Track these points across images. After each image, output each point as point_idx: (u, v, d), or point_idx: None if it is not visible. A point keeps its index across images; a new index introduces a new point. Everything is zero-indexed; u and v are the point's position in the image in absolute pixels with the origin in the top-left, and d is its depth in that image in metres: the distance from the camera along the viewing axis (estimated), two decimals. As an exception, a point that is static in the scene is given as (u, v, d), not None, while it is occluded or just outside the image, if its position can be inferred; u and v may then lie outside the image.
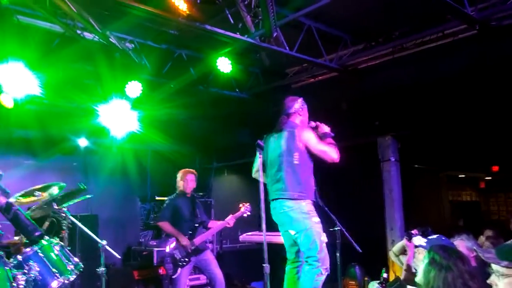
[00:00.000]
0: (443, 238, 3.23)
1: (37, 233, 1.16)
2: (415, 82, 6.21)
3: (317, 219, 3.70)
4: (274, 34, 5.07)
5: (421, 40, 5.85)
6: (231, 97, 7.56)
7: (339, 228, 4.53)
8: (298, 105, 4.01)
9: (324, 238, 5.93)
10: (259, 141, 3.66)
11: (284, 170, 3.75)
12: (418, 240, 3.45)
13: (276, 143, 3.87)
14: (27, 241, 3.56)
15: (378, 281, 5.43)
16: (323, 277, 3.63)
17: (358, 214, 6.76)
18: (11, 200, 3.31)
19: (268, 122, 7.60)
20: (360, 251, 4.47)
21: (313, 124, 3.99)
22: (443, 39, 5.69)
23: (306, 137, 3.75)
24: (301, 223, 3.61)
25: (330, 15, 5.66)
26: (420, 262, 3.04)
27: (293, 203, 3.67)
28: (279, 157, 3.79)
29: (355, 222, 5.59)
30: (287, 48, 5.72)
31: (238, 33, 5.24)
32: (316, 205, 3.88)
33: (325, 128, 3.94)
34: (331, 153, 3.69)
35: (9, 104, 5.64)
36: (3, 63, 5.01)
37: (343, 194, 7.11)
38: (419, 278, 2.73)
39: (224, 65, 5.99)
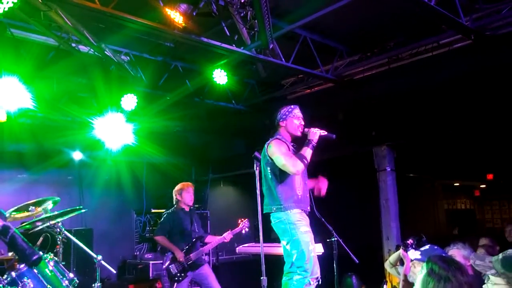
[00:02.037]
0: (436, 247, 3.21)
1: (34, 257, 1.12)
2: (411, 92, 6.24)
3: (305, 228, 3.66)
4: (270, 46, 5.08)
5: (416, 50, 5.88)
6: (227, 109, 7.56)
7: (335, 238, 4.51)
8: (280, 115, 3.95)
9: (319, 248, 5.91)
10: (256, 153, 3.64)
11: (265, 184, 3.79)
12: (412, 253, 3.41)
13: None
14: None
15: None
16: (312, 287, 3.59)
17: (354, 224, 6.75)
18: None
19: (264, 133, 7.64)
20: (357, 261, 4.45)
21: (305, 130, 3.94)
22: (438, 49, 5.72)
23: (270, 150, 3.72)
24: (288, 233, 3.59)
25: (326, 26, 5.69)
26: (417, 275, 3.01)
27: (280, 215, 3.66)
28: (262, 171, 3.82)
29: (351, 232, 5.57)
30: (283, 59, 5.74)
31: (234, 45, 5.25)
32: (310, 214, 3.84)
33: (313, 135, 3.83)
34: (289, 166, 3.57)
35: (2, 118, 5.60)
36: (-3, 78, 4.98)
37: (339, 204, 7.08)
38: None
39: (220, 77, 5.98)
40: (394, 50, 6.04)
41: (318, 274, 3.64)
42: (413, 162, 8.44)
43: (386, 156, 6.97)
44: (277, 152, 3.66)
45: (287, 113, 3.93)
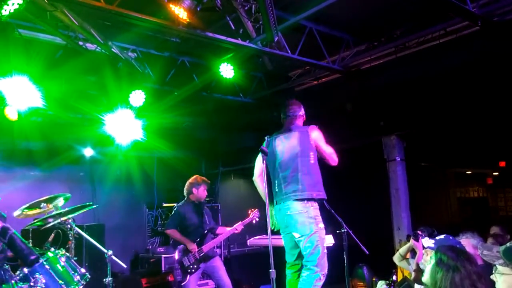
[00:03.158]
0: (451, 237, 3.21)
1: (32, 257, 1.16)
2: (419, 81, 6.18)
3: (322, 225, 3.68)
4: (276, 39, 5.07)
5: (423, 39, 5.83)
6: (235, 102, 7.57)
7: (345, 230, 4.52)
8: (302, 111, 4.06)
9: (330, 240, 5.93)
10: (262, 147, 3.64)
11: (300, 171, 3.72)
12: (426, 241, 3.42)
13: (286, 144, 3.84)
14: (36, 251, 3.57)
15: (386, 281, 5.40)
16: (322, 283, 3.61)
17: (365, 215, 6.75)
18: (17, 213, 3.33)
19: (272, 126, 7.64)
20: (368, 253, 4.46)
21: None
22: (446, 36, 5.66)
23: (317, 135, 3.76)
24: (306, 227, 3.59)
25: (331, 16, 5.65)
26: (427, 263, 3.02)
27: (302, 207, 3.63)
28: (294, 158, 3.76)
29: (362, 223, 5.58)
30: (289, 51, 5.72)
31: (239, 38, 5.25)
32: (321, 207, 3.85)
33: None
34: (335, 156, 3.70)
35: (13, 116, 5.70)
36: (7, 77, 5.05)
37: (349, 195, 7.09)
38: (425, 279, 2.71)
39: (226, 70, 5.99)
40: (401, 38, 5.98)
41: (326, 272, 3.67)
42: (423, 151, 8.39)
43: (396, 146, 6.94)
44: (323, 140, 3.71)
45: (304, 113, 4.11)
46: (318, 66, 6.45)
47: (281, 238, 6.45)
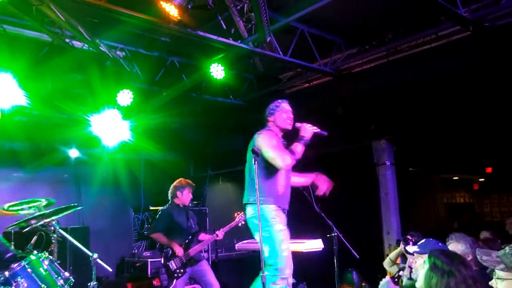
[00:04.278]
0: (431, 240, 3.17)
1: (7, 256, 1.08)
2: (410, 85, 6.18)
3: (280, 226, 3.59)
4: (268, 39, 5.01)
5: (415, 42, 5.83)
6: (225, 104, 7.48)
7: (335, 233, 4.46)
8: (268, 110, 3.95)
9: (319, 244, 5.86)
10: (254, 148, 3.57)
11: (247, 176, 3.76)
12: (410, 247, 3.38)
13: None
14: (17, 254, 3.44)
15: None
16: (283, 285, 3.50)
17: (354, 219, 6.70)
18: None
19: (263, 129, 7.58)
20: (358, 257, 4.41)
21: (297, 125, 3.87)
22: (437, 40, 5.66)
23: (259, 141, 3.68)
24: (262, 230, 3.49)
25: (323, 19, 5.62)
26: (418, 269, 2.97)
27: (255, 210, 3.54)
28: (246, 164, 3.78)
29: (351, 227, 5.52)
30: (280, 53, 5.66)
31: (231, 38, 5.18)
32: (288, 213, 3.81)
33: (306, 131, 3.80)
34: (279, 160, 3.54)
35: (-4, 116, 5.53)
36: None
37: (338, 199, 7.03)
38: (419, 284, 2.66)
39: (217, 71, 5.91)
40: (392, 42, 5.97)
41: (287, 276, 3.53)
42: (412, 156, 8.40)
43: (386, 150, 6.93)
44: (267, 144, 3.61)
45: (275, 107, 3.90)
46: (310, 69, 6.41)
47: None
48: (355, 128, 6.93)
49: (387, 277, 3.11)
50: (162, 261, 4.95)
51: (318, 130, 3.83)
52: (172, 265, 4.88)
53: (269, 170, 3.64)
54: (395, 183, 6.97)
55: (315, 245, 5.89)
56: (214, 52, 5.74)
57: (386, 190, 6.88)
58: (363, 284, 6.19)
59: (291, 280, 3.56)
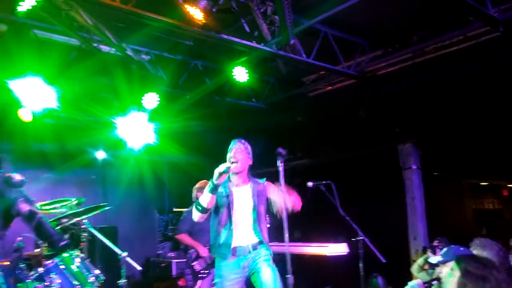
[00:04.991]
0: (454, 246, 3.07)
1: (62, 243, 1.12)
2: (437, 87, 6.06)
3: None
4: (292, 41, 5.00)
5: (442, 44, 5.70)
6: (247, 107, 7.51)
7: (361, 238, 4.40)
8: None
9: (344, 249, 5.78)
10: (279, 149, 3.56)
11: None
12: (434, 259, 3.28)
13: None
14: (49, 253, 3.53)
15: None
16: None
17: (379, 223, 6.60)
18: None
19: (285, 132, 7.56)
20: (384, 261, 4.33)
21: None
22: (465, 42, 5.53)
23: None
24: None
25: (347, 21, 5.58)
26: (445, 278, 2.89)
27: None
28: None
29: (376, 231, 5.44)
30: (304, 55, 5.64)
31: (254, 41, 5.19)
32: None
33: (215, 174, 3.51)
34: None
35: (27, 118, 5.70)
36: (22, 78, 5.05)
37: (364, 203, 6.96)
38: None
39: (240, 74, 5.94)
40: (418, 44, 5.86)
41: None
42: (439, 160, 8.23)
43: (412, 154, 6.82)
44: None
45: None
46: (333, 71, 6.36)
47: (294, 246, 6.34)
48: (380, 131, 6.84)
49: (419, 280, 3.04)
50: (187, 262, 4.98)
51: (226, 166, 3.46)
52: (197, 266, 4.90)
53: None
54: (422, 188, 6.84)
55: (340, 249, 5.84)
56: (237, 55, 5.77)
57: (413, 195, 6.75)
58: (388, 288, 6.08)
59: None
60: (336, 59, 6.05)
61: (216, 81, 6.55)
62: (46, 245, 3.59)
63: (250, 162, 3.70)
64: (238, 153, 3.59)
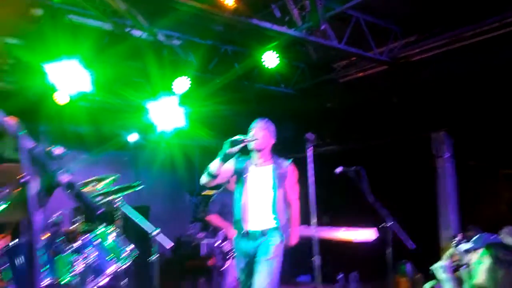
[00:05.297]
0: (485, 234, 3.04)
1: (100, 211, 1.20)
2: (473, 74, 5.87)
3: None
4: (322, 27, 4.95)
5: (479, 30, 5.50)
6: (276, 92, 7.49)
7: (390, 224, 4.37)
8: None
9: (371, 234, 5.75)
10: (307, 134, 3.57)
11: None
12: (464, 245, 3.25)
13: None
14: (85, 229, 3.70)
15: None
16: None
17: (409, 211, 6.52)
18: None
19: (313, 118, 7.52)
20: (414, 246, 4.29)
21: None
22: (504, 28, 5.30)
23: None
24: None
25: (379, 6, 5.47)
26: (473, 265, 2.86)
27: None
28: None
29: (406, 219, 5.38)
30: (335, 41, 5.58)
31: (284, 26, 5.16)
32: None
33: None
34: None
35: (63, 101, 5.90)
36: (57, 61, 5.21)
37: (394, 191, 6.88)
38: (481, 279, 2.57)
39: (270, 59, 5.93)
40: (454, 30, 5.68)
41: None
42: (474, 150, 8.01)
43: (445, 142, 6.67)
44: None
45: None
46: (365, 57, 6.25)
47: (324, 230, 6.34)
48: (412, 118, 6.71)
49: (447, 262, 3.03)
50: (217, 243, 5.09)
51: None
52: (226, 246, 5.00)
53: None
54: (455, 177, 6.70)
55: (368, 234, 5.82)
56: (266, 40, 5.75)
57: (445, 184, 6.63)
58: (417, 276, 6.03)
59: None
60: (368, 45, 5.94)
61: (245, 65, 6.56)
62: (84, 215, 3.76)
63: (273, 141, 3.62)
64: (259, 130, 3.54)
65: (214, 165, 3.40)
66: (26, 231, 1.20)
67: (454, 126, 6.63)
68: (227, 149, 3.31)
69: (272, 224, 3.45)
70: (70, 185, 1.27)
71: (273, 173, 3.51)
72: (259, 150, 3.53)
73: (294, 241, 3.62)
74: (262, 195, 3.48)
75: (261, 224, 3.45)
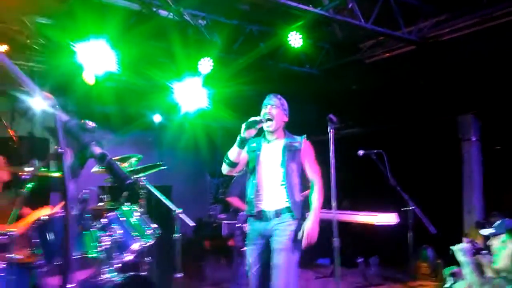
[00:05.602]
0: (508, 220, 2.99)
1: (129, 181, 1.26)
2: (503, 55, 5.65)
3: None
4: (349, 5, 4.84)
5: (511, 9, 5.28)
6: (300, 73, 7.43)
7: (411, 208, 4.35)
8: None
9: (392, 218, 5.70)
10: (330, 115, 3.53)
11: None
12: (485, 230, 3.20)
13: None
14: (111, 207, 3.83)
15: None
16: None
17: (432, 195, 6.45)
18: (94, 169, 3.56)
19: (337, 99, 7.43)
20: (435, 231, 4.27)
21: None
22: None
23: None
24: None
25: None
26: (495, 250, 2.83)
27: None
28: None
29: (428, 203, 5.33)
30: (362, 20, 5.45)
31: (311, 5, 5.08)
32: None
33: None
34: None
35: (90, 81, 5.99)
36: (85, 41, 5.29)
37: (418, 174, 6.79)
38: (503, 264, 2.54)
39: (295, 39, 5.87)
40: (486, 8, 5.45)
41: None
42: (501, 134, 7.79)
43: (472, 125, 6.50)
44: None
45: None
46: (393, 37, 6.09)
47: (342, 213, 6.32)
48: (439, 100, 6.55)
49: (469, 245, 3.00)
50: (237, 224, 5.17)
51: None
52: (246, 228, 5.07)
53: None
54: (481, 161, 6.55)
55: (389, 218, 5.79)
56: (292, 20, 5.68)
57: (470, 168, 6.49)
58: (439, 261, 5.98)
59: None
60: (397, 24, 5.79)
61: (270, 45, 6.50)
62: (110, 194, 3.87)
63: (286, 119, 3.47)
64: (274, 109, 3.38)
65: (232, 153, 3.32)
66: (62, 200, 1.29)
67: (482, 109, 6.44)
68: (243, 133, 3.22)
69: (285, 203, 3.25)
70: (102, 156, 1.33)
71: (283, 148, 3.34)
72: (273, 130, 3.41)
73: (313, 230, 3.23)
74: (273, 173, 3.30)
75: (273, 204, 3.27)
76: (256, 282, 3.23)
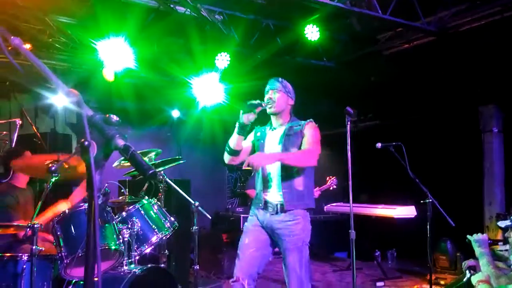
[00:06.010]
0: None
1: (151, 171, 1.30)
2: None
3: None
4: (366, -4, 4.79)
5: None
6: (318, 66, 7.38)
7: (430, 200, 4.31)
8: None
9: (410, 211, 5.65)
10: (348, 108, 3.49)
11: None
12: (502, 222, 3.15)
13: None
14: (131, 200, 3.92)
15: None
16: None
17: (453, 187, 6.38)
18: (115, 164, 3.65)
19: (355, 92, 7.37)
20: (453, 224, 4.23)
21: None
22: None
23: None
24: None
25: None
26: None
27: None
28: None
29: (449, 195, 5.28)
30: (379, 11, 5.39)
31: (327, -3, 5.05)
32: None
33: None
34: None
35: (110, 77, 6.11)
36: (105, 39, 5.39)
37: (438, 166, 6.71)
38: None
39: (312, 33, 5.84)
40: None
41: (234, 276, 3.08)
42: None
43: (493, 116, 6.38)
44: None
45: None
46: (411, 28, 6.00)
47: (360, 207, 6.30)
48: (460, 91, 6.44)
49: (485, 235, 2.96)
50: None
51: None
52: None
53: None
54: (502, 153, 6.42)
55: (407, 211, 5.75)
56: (309, 13, 5.65)
57: (491, 159, 6.38)
58: (458, 254, 5.91)
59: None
60: (415, 15, 5.70)
61: (287, 39, 6.49)
62: (138, 173, 3.95)
63: (291, 102, 3.29)
64: (275, 93, 3.21)
65: (232, 140, 3.14)
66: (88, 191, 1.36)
67: (504, 100, 6.30)
68: (241, 118, 3.04)
69: (288, 193, 3.05)
70: (126, 148, 1.40)
71: (282, 134, 3.16)
72: (277, 113, 3.23)
73: (256, 159, 2.90)
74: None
75: (276, 195, 3.09)
76: (247, 264, 3.06)
